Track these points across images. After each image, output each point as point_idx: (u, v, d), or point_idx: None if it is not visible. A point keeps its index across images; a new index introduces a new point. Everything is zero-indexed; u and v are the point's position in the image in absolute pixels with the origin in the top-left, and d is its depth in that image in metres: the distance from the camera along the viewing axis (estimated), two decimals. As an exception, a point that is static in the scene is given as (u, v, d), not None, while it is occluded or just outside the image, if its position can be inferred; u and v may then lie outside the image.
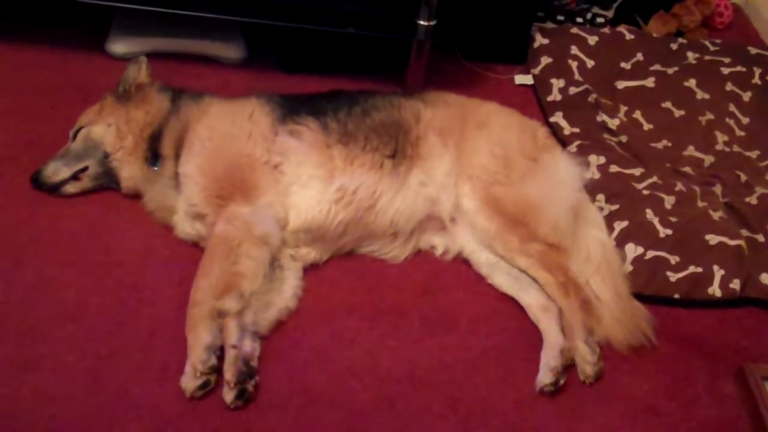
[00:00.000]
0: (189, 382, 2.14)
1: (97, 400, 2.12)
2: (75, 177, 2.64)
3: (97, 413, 2.09)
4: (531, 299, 2.49)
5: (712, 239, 2.68)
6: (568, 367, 2.33)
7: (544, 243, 2.50)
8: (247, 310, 2.29)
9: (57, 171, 2.61)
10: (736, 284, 2.60)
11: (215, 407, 2.13)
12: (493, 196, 2.55)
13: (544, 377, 2.28)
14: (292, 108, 2.62)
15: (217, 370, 2.17)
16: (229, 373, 2.14)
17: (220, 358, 2.19)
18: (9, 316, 2.29)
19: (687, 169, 3.06)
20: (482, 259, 2.61)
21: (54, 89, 3.09)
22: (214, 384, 2.16)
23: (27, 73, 3.15)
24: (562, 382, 2.29)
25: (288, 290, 2.43)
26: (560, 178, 2.65)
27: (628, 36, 3.64)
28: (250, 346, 2.23)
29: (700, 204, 2.85)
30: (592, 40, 3.56)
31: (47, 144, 2.73)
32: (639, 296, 2.54)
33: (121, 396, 2.13)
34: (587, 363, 2.33)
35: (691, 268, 2.61)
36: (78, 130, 2.66)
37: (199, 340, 2.18)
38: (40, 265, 2.45)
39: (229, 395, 2.13)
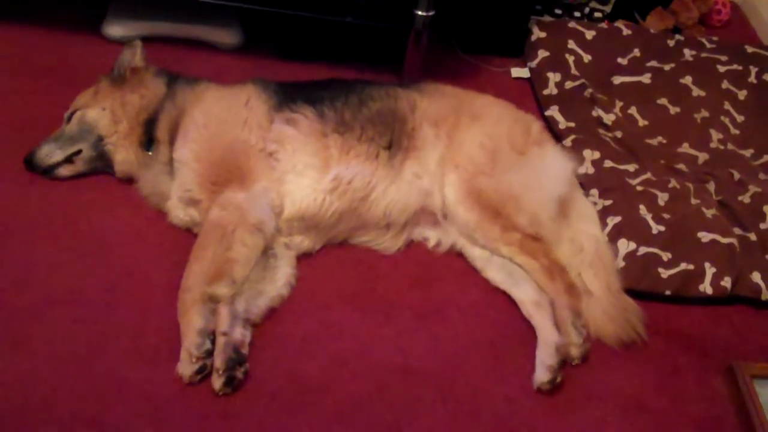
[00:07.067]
0: (186, 367, 2.14)
1: (87, 383, 2.12)
2: (69, 160, 2.62)
3: (86, 396, 2.09)
4: (524, 294, 2.49)
5: (705, 237, 2.68)
6: (565, 363, 2.32)
7: (523, 234, 2.49)
8: (239, 298, 2.29)
9: (51, 153, 2.60)
10: (727, 282, 2.61)
11: (205, 393, 2.13)
12: (477, 187, 2.53)
13: (542, 375, 2.27)
14: (289, 95, 2.61)
15: (212, 354, 2.17)
16: (218, 360, 2.14)
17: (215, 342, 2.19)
18: None
19: (681, 166, 3.07)
20: (476, 253, 2.60)
21: (49, 71, 3.07)
22: (210, 368, 2.16)
23: (22, 55, 3.13)
24: (559, 379, 2.27)
25: (281, 278, 2.42)
26: (546, 172, 2.62)
27: (626, 31, 3.63)
28: (240, 333, 2.23)
29: (694, 201, 2.85)
30: (590, 34, 3.56)
31: (41, 126, 2.71)
32: (630, 292, 2.54)
33: (110, 379, 2.13)
34: (573, 345, 2.34)
35: (683, 265, 2.61)
36: (72, 113, 2.65)
37: (192, 325, 2.18)
38: (32, 247, 2.44)
39: (217, 382, 2.13)
